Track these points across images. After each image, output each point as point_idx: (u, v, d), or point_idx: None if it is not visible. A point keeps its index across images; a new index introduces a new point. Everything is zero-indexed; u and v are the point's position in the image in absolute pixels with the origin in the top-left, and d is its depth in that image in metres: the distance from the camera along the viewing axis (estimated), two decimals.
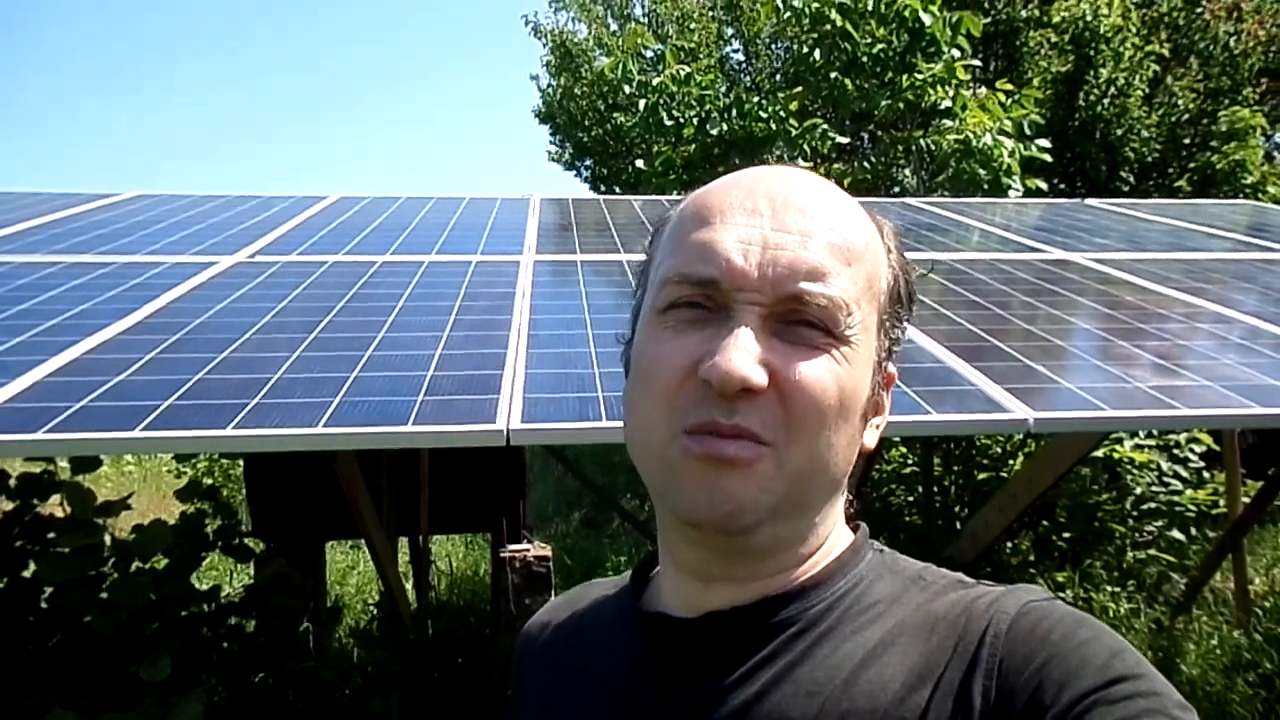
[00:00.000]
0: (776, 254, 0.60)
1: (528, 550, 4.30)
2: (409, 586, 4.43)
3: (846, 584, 0.64)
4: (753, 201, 0.62)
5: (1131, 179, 10.25)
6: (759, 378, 0.57)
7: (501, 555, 4.26)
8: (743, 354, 0.57)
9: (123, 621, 2.46)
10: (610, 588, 0.78)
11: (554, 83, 13.36)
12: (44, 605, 2.63)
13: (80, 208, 4.11)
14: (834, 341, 0.60)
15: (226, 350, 2.25)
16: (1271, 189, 8.92)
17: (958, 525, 4.89)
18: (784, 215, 0.61)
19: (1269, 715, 3.46)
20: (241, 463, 5.42)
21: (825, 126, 6.71)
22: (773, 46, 12.48)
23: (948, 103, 6.48)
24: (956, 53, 6.55)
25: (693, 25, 12.46)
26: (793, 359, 0.59)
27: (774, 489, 0.59)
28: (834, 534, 0.67)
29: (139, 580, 2.58)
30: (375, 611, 4.69)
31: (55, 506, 2.83)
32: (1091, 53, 9.87)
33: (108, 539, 2.72)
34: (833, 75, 6.75)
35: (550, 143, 14.28)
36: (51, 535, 2.74)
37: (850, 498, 0.70)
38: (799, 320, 0.60)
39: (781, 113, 6.77)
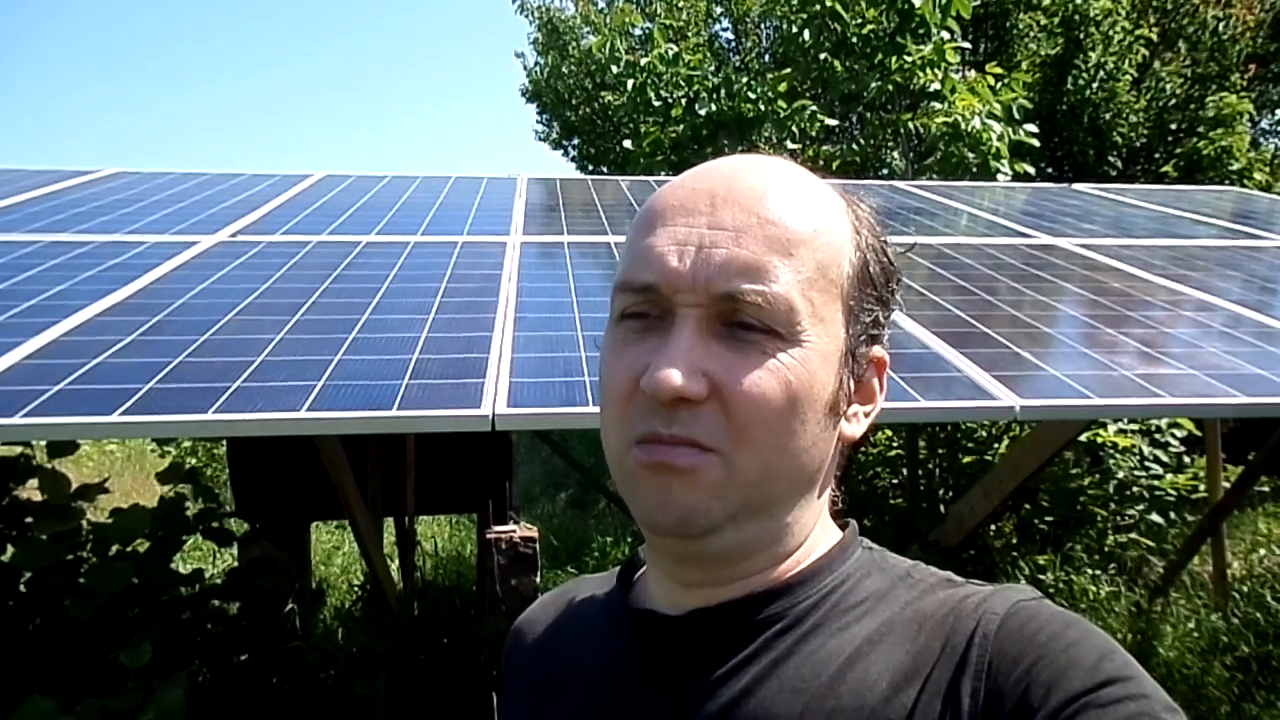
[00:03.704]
0: (710, 253, 0.59)
1: (514, 531, 4.29)
2: (394, 567, 4.43)
3: (833, 581, 0.64)
4: (693, 201, 0.61)
5: (1119, 164, 10.28)
6: (694, 386, 0.57)
7: (487, 536, 4.25)
8: (676, 363, 0.57)
9: (102, 606, 2.43)
10: (597, 586, 0.78)
11: (541, 61, 13.25)
12: (22, 589, 2.61)
13: (58, 185, 4.04)
14: (779, 342, 0.58)
15: (208, 332, 2.22)
16: (1258, 175, 8.97)
17: (942, 509, 4.91)
18: (721, 212, 0.60)
19: (1245, 698, 3.51)
20: (225, 443, 5.37)
21: (814, 108, 6.68)
22: (761, 26, 12.40)
23: (937, 85, 6.47)
24: (946, 35, 6.52)
25: (681, 4, 12.36)
26: (735, 366, 0.58)
27: (728, 495, 0.59)
28: (816, 530, 0.66)
29: (117, 565, 2.56)
30: (360, 593, 4.68)
31: (33, 490, 2.79)
32: (1081, 36, 9.87)
33: (85, 524, 2.69)
34: (822, 56, 6.72)
35: (537, 121, 14.19)
36: (29, 520, 2.71)
37: (836, 493, 0.69)
38: (738, 322, 0.58)
39: (770, 94, 6.73)
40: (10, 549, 2.69)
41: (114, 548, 2.67)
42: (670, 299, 0.59)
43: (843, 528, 0.69)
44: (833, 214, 0.64)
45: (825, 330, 0.61)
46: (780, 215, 0.60)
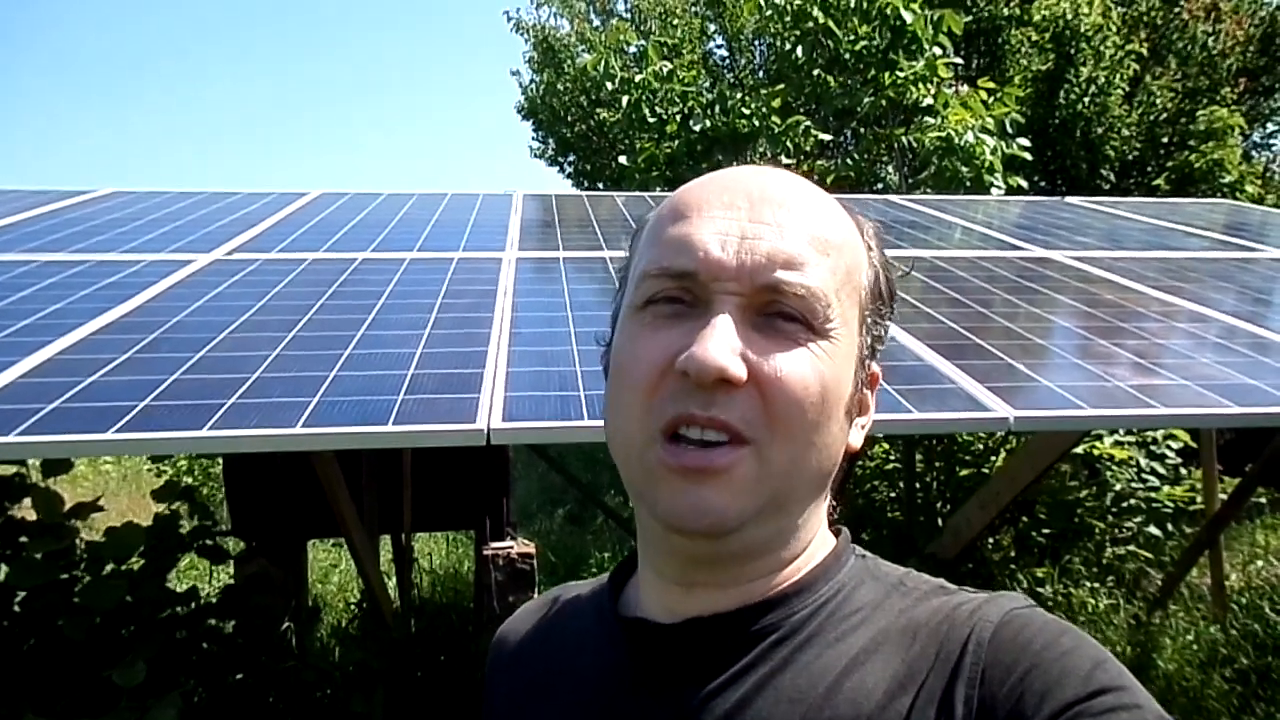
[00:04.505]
0: (754, 244, 0.60)
1: (511, 548, 4.28)
2: (391, 585, 4.41)
3: (829, 590, 0.64)
4: (729, 196, 0.62)
5: (1111, 177, 10.35)
6: (736, 368, 0.57)
7: (485, 553, 4.24)
8: (719, 344, 0.57)
9: (96, 625, 2.42)
10: (584, 590, 0.77)
11: (536, 79, 13.32)
12: (16, 609, 2.59)
13: (54, 205, 4.05)
14: (813, 335, 0.60)
15: (203, 349, 2.22)
16: (1249, 188, 9.02)
17: (939, 522, 4.91)
18: (760, 209, 0.61)
19: (1245, 709, 3.50)
20: (221, 461, 5.36)
21: (808, 123, 6.71)
22: (755, 43, 12.49)
23: (930, 100, 6.50)
24: (938, 50, 6.56)
25: (675, 21, 12.45)
26: (772, 352, 0.58)
27: (757, 491, 0.59)
28: (817, 538, 0.66)
29: (111, 584, 2.54)
30: (357, 610, 4.66)
31: (28, 509, 2.79)
32: (1072, 51, 9.96)
33: (79, 542, 2.68)
34: (815, 72, 6.76)
35: (533, 139, 14.25)
36: (23, 539, 2.70)
37: (833, 503, 0.69)
38: (777, 313, 0.59)
39: (764, 110, 6.77)
40: (4, 568, 2.68)
41: (108, 566, 2.66)
42: (708, 286, 0.59)
43: (836, 535, 0.69)
44: (853, 228, 0.66)
45: (849, 332, 0.62)
46: (817, 219, 0.62)
